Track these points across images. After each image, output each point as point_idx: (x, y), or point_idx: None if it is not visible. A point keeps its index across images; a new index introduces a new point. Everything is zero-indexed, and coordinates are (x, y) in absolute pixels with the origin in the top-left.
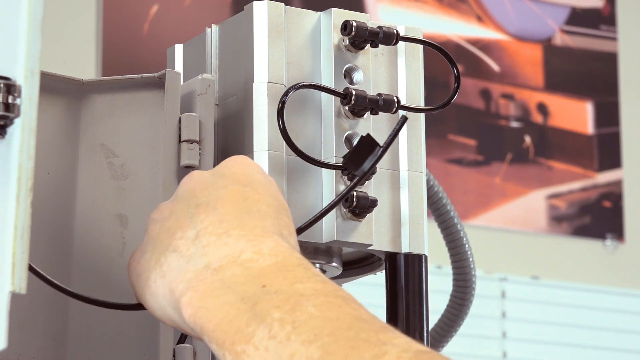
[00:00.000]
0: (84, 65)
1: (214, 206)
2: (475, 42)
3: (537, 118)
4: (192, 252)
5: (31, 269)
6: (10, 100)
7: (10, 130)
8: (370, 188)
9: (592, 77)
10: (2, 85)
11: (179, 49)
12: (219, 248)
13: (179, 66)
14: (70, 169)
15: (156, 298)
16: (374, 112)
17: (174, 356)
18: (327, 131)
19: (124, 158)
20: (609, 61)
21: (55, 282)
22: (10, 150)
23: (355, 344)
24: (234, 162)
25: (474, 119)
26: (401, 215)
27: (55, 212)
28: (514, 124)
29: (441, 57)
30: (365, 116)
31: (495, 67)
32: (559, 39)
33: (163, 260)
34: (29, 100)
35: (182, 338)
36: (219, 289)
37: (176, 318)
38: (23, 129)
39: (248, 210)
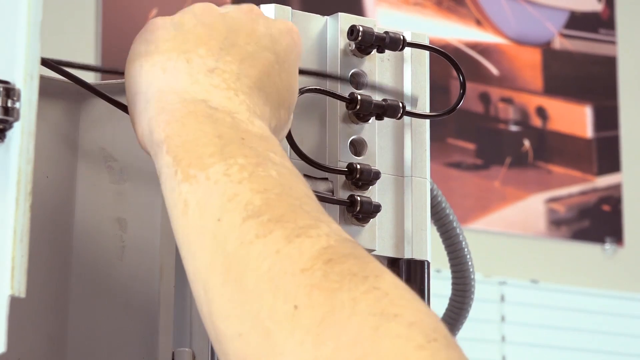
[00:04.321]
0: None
1: (242, 58)
2: (474, 46)
3: (536, 122)
4: (200, 79)
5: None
6: (9, 104)
7: (9, 134)
8: (374, 193)
9: (591, 81)
10: (1, 89)
11: None
12: (222, 97)
13: None
14: (70, 173)
15: (142, 77)
16: (379, 118)
17: (173, 359)
18: (332, 136)
19: (123, 162)
20: (608, 65)
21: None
22: (10, 154)
23: (295, 210)
24: (283, 26)
25: (473, 123)
26: (404, 221)
27: (54, 215)
28: (513, 128)
29: (441, 61)
30: (370, 121)
31: (494, 70)
32: (558, 43)
33: (174, 56)
34: (28, 103)
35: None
36: (205, 117)
37: (141, 104)
38: (22, 132)
39: (261, 86)
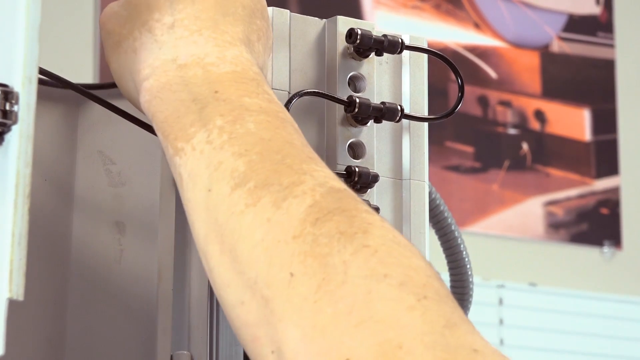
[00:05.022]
0: (81, 71)
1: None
2: (473, 49)
3: (535, 125)
4: (165, 39)
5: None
6: (7, 107)
7: (7, 137)
8: (372, 196)
9: (590, 84)
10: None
11: None
12: (189, 45)
13: None
14: (68, 176)
15: (123, 68)
16: (378, 121)
17: None
18: (330, 139)
19: (121, 165)
20: (607, 68)
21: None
22: (8, 157)
23: (278, 168)
24: None
25: (471, 126)
26: (403, 224)
27: (53, 219)
28: (512, 131)
29: (439, 64)
30: (368, 124)
31: (492, 74)
32: (557, 46)
33: (137, 34)
34: (26, 107)
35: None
36: (178, 84)
37: (134, 95)
38: (20, 135)
39: (224, 11)
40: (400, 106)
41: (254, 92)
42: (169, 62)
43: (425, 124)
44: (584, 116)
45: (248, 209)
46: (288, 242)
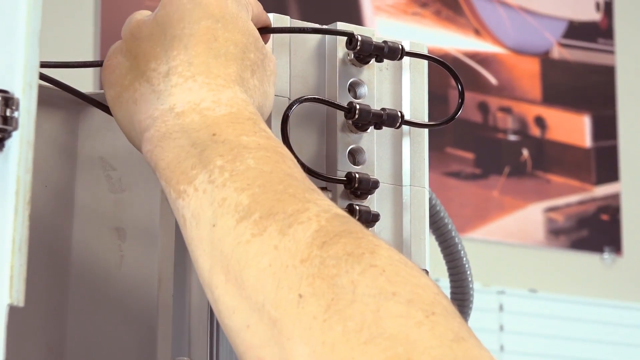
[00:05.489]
0: (81, 74)
1: (186, 44)
2: (473, 56)
3: (535, 131)
4: (162, 88)
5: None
6: (8, 113)
7: (8, 143)
8: (372, 203)
9: (590, 91)
10: (0, 98)
11: None
12: (184, 93)
13: None
14: (68, 182)
15: (125, 119)
16: (378, 127)
17: None
18: (330, 145)
19: (121, 171)
20: (607, 74)
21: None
22: (8, 163)
23: (281, 197)
24: None
25: (472, 132)
26: (403, 230)
27: (53, 225)
28: (512, 137)
29: (440, 71)
30: (369, 130)
31: (492, 80)
32: (557, 53)
33: (137, 86)
34: (27, 113)
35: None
36: (177, 132)
37: (137, 143)
38: (21, 141)
39: (215, 53)
40: (401, 112)
41: (251, 131)
42: (167, 111)
43: (426, 130)
44: (584, 122)
45: (254, 238)
46: (296, 266)
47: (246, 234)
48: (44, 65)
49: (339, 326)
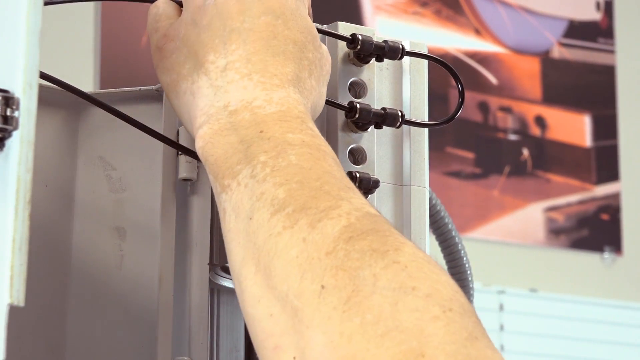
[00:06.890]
0: (82, 78)
1: (245, 39)
2: (473, 55)
3: (535, 131)
4: (219, 83)
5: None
6: (8, 113)
7: (8, 142)
8: (373, 202)
9: (590, 90)
10: (0, 97)
11: None
12: (239, 90)
13: None
14: (69, 182)
15: (182, 108)
16: (378, 126)
17: None
18: (331, 144)
19: (122, 171)
20: (607, 74)
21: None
22: (9, 162)
23: (316, 194)
24: None
25: (472, 132)
26: (403, 230)
27: (53, 224)
28: (512, 137)
29: (440, 70)
30: (369, 130)
31: (493, 80)
32: (557, 52)
33: (196, 77)
34: (27, 112)
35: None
36: (228, 130)
37: (193, 132)
38: (21, 141)
39: (274, 51)
40: (401, 112)
41: (298, 129)
42: (221, 109)
43: (426, 130)
44: (585, 122)
45: (285, 230)
46: (321, 258)
47: (278, 226)
48: (48, 3)
49: (358, 318)
